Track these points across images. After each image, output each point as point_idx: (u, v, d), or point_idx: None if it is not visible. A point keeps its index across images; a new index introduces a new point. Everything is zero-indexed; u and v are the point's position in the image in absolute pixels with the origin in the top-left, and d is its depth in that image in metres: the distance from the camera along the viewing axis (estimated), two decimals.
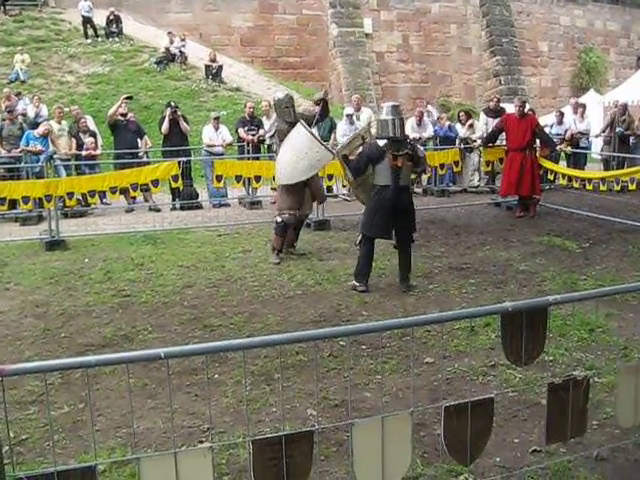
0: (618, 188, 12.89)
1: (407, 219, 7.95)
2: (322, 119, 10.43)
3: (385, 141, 7.79)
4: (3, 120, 14.31)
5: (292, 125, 9.36)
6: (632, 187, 12.29)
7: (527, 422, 4.65)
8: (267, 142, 14.68)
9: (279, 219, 9.42)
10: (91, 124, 14.86)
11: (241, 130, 14.60)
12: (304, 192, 9.59)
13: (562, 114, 16.64)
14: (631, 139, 16.23)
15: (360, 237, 8.18)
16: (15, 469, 3.42)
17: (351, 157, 8.28)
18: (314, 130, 9.83)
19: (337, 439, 4.37)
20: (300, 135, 9.20)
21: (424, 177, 14.70)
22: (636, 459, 4.14)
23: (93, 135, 14.37)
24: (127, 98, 14.55)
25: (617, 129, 16.16)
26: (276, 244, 9.47)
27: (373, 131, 8.72)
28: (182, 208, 13.74)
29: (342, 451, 4.20)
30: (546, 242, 10.09)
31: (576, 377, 3.31)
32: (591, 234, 10.68)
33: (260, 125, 14.76)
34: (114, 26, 24.22)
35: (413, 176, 9.38)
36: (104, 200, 13.05)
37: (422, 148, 8.66)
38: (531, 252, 9.53)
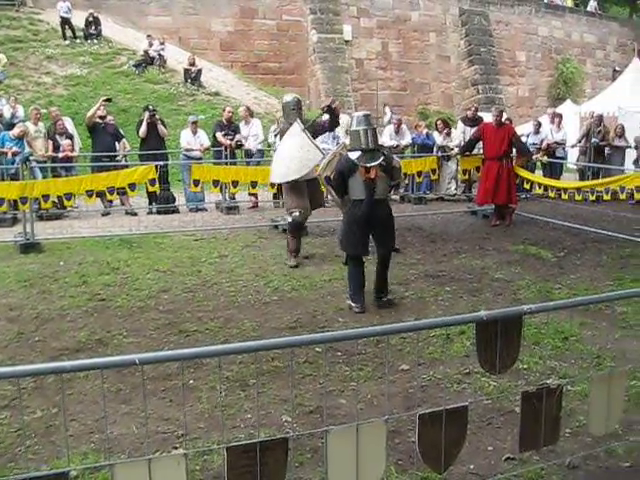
0: (593, 198, 13.02)
1: (385, 233, 7.60)
2: (332, 128, 10.39)
3: (358, 153, 7.38)
4: None
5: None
6: (607, 197, 12.40)
7: (501, 430, 4.67)
8: (245, 147, 14.69)
9: (290, 218, 9.52)
10: (69, 126, 14.77)
11: (219, 134, 14.56)
12: (306, 193, 9.59)
13: (539, 124, 16.78)
14: (606, 150, 16.40)
15: (345, 256, 7.95)
16: None
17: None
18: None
19: (312, 446, 4.37)
20: (293, 135, 9.36)
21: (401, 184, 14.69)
22: (607, 467, 4.18)
23: (70, 137, 14.27)
24: (106, 100, 14.47)
25: (593, 140, 16.32)
26: (292, 245, 9.50)
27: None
28: (159, 212, 13.68)
29: (317, 458, 4.20)
30: (521, 251, 10.15)
31: (549, 385, 3.34)
32: (566, 243, 10.77)
33: (237, 130, 14.75)
34: (93, 28, 24.07)
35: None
36: (77, 203, 12.97)
37: (397, 159, 8.10)
38: (507, 260, 9.59)
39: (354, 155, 7.39)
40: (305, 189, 9.54)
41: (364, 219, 7.37)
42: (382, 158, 7.35)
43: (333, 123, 9.96)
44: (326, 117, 10.03)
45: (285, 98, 9.98)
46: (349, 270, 7.74)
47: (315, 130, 9.67)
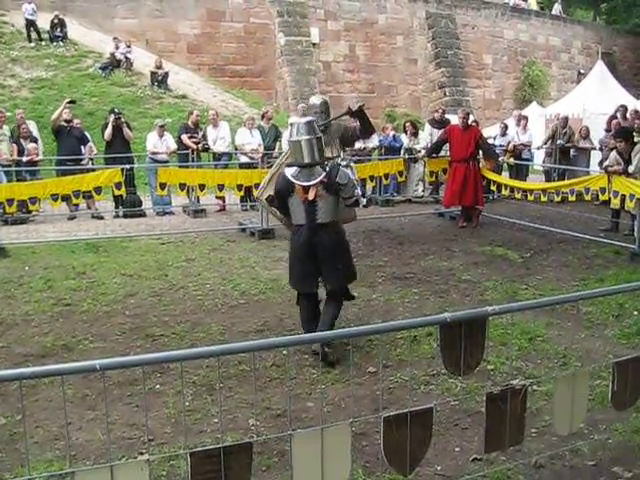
0: (559, 199, 13.11)
1: (332, 265, 6.24)
2: (365, 136, 8.77)
3: (295, 169, 6.15)
4: None
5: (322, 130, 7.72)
6: (572, 198, 12.51)
7: (468, 430, 4.70)
8: (213, 150, 14.64)
9: None
10: (33, 129, 14.62)
11: (184, 137, 14.49)
12: None
13: (506, 126, 16.92)
14: (571, 151, 16.54)
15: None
16: None
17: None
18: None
19: (279, 449, 4.36)
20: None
21: (368, 186, 14.69)
22: (572, 465, 4.22)
23: (35, 141, 14.13)
24: (70, 102, 14.33)
25: (558, 141, 16.47)
26: None
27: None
28: (125, 216, 13.57)
29: (284, 461, 4.19)
30: (488, 252, 10.23)
31: (514, 386, 3.36)
32: (532, 244, 10.86)
33: (204, 133, 14.70)
34: (58, 30, 23.81)
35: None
36: (42, 207, 12.83)
37: (348, 171, 6.65)
38: (473, 262, 9.65)
39: (290, 171, 6.17)
40: None
41: (305, 248, 6.24)
42: (323, 175, 6.05)
43: (366, 130, 8.23)
44: (354, 123, 8.87)
45: (311, 100, 8.59)
46: (299, 309, 6.63)
47: (345, 140, 8.18)
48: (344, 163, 7.12)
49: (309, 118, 6.48)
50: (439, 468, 4.21)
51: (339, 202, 6.24)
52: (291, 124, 6.48)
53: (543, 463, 4.22)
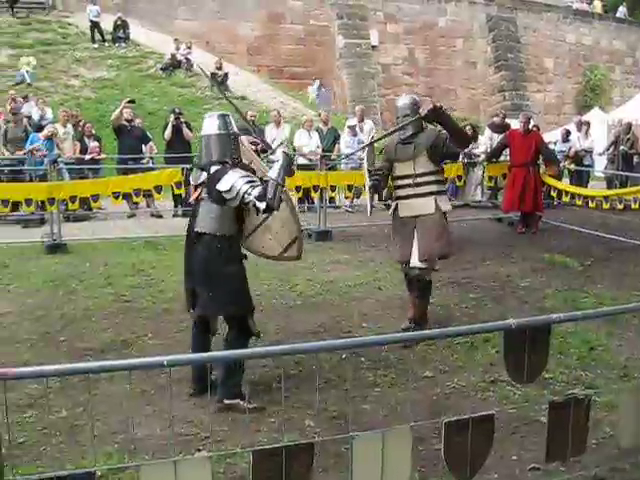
0: (621, 207, 12.89)
1: (204, 288, 5.24)
2: (458, 145, 7.01)
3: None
4: (8, 122, 14.34)
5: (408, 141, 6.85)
6: (635, 206, 12.27)
7: (526, 439, 4.64)
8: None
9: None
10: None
11: (243, 138, 14.56)
12: (414, 237, 6.80)
13: (568, 132, 16.66)
14: (635, 158, 16.26)
15: None
16: (12, 472, 3.40)
17: None
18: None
19: (335, 451, 4.35)
20: None
21: None
22: (633, 479, 4.13)
23: (97, 139, 14.40)
24: (129, 102, 14.54)
25: (621, 148, 16.19)
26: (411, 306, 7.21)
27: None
28: (184, 215, 13.68)
29: (340, 463, 4.18)
30: (547, 259, 10.07)
31: (577, 396, 3.31)
32: (593, 252, 10.66)
33: (262, 134, 14.77)
34: (121, 31, 24.29)
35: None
36: (103, 205, 13.06)
37: (235, 174, 5.08)
38: (532, 268, 9.52)
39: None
40: (411, 231, 6.72)
41: (185, 262, 5.49)
42: (204, 176, 5.24)
43: (457, 137, 6.81)
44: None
45: (398, 101, 7.28)
46: None
47: (437, 151, 6.74)
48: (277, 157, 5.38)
49: (223, 112, 5.57)
50: (496, 476, 4.16)
51: (232, 214, 5.21)
52: (204, 117, 5.38)
53: (603, 476, 4.14)
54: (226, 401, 5.09)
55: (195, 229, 5.25)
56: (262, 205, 4.83)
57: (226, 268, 5.17)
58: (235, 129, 5.44)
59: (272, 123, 15.16)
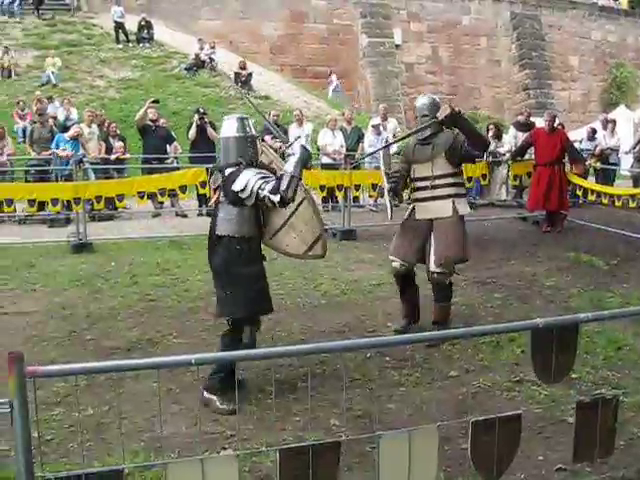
0: None
1: (217, 284, 5.43)
2: (475, 148, 6.76)
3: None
4: (34, 123, 14.50)
5: (427, 142, 6.82)
6: None
7: (552, 439, 4.60)
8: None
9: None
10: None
11: (267, 138, 14.62)
12: (421, 238, 6.81)
13: (594, 130, 16.52)
14: None
15: None
16: (41, 469, 3.44)
17: None
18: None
19: (360, 450, 4.35)
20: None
21: None
22: None
23: (122, 139, 14.50)
24: (153, 102, 14.61)
25: None
26: (402, 305, 7.14)
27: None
28: (209, 214, 13.70)
29: (365, 463, 4.18)
30: (573, 258, 9.99)
31: (605, 396, 3.28)
32: (619, 251, 10.56)
33: (286, 133, 14.80)
34: (145, 32, 24.46)
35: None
36: (128, 204, 13.14)
37: (250, 174, 5.10)
38: (557, 268, 9.45)
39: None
40: (422, 232, 6.73)
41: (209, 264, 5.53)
42: (220, 179, 5.30)
43: (475, 140, 6.64)
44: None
45: (417, 101, 7.19)
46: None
47: (455, 153, 6.65)
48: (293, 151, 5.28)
49: (241, 115, 5.63)
50: (522, 476, 4.14)
51: (250, 215, 5.26)
52: (224, 118, 5.52)
53: (631, 477, 4.10)
54: (205, 394, 5.21)
55: (215, 232, 5.29)
56: (276, 198, 4.86)
57: (246, 269, 5.24)
58: (253, 132, 5.44)
59: (295, 122, 15.17)
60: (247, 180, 5.03)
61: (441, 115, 6.49)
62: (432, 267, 6.63)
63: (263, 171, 5.21)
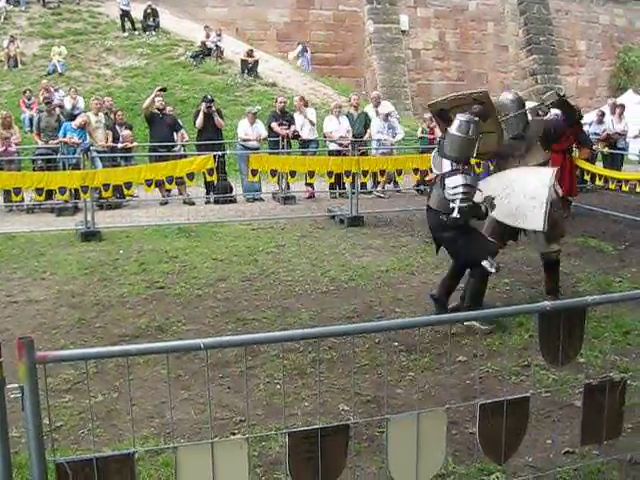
0: None
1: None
2: (571, 123, 7.44)
3: None
4: (41, 112, 14.53)
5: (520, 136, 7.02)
6: None
7: (560, 423, 4.61)
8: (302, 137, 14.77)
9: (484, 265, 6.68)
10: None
11: (275, 124, 14.64)
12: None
13: (603, 113, 16.46)
14: None
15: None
16: (51, 455, 3.47)
17: None
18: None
19: (369, 434, 4.37)
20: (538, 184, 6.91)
21: None
22: None
23: (129, 128, 14.51)
24: (161, 90, 14.61)
25: None
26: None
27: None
28: (216, 202, 13.79)
29: (374, 447, 4.20)
30: (581, 243, 9.98)
31: (613, 379, 3.28)
32: (627, 236, 10.55)
33: (291, 120, 14.83)
34: (151, 20, 24.40)
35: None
36: (136, 192, 13.18)
37: (463, 180, 6.14)
38: (566, 253, 9.39)
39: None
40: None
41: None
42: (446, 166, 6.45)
43: (573, 117, 7.20)
44: (552, 113, 8.19)
45: (500, 98, 7.21)
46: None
47: (550, 137, 7.13)
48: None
49: (468, 117, 6.25)
50: (530, 459, 4.15)
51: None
52: (456, 119, 6.27)
53: (639, 460, 4.12)
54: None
55: (428, 203, 6.58)
56: (455, 215, 6.04)
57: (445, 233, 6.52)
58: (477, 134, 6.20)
59: (297, 110, 15.24)
60: (456, 184, 6.11)
61: (548, 101, 7.28)
62: (540, 249, 7.38)
63: (470, 184, 6.18)
